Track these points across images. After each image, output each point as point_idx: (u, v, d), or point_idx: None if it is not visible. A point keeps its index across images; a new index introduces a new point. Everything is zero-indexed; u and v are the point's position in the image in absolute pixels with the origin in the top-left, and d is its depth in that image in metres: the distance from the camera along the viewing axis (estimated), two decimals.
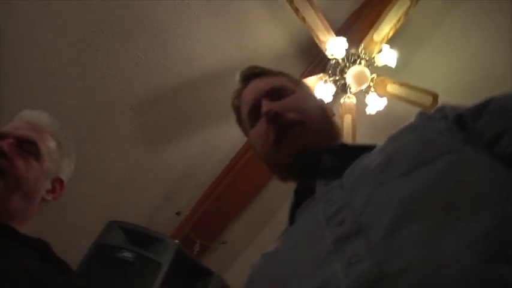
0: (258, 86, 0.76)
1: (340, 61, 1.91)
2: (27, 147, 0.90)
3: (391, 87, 1.98)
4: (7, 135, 0.89)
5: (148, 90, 2.01)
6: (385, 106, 1.98)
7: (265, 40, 2.02)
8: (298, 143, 0.66)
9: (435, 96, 1.90)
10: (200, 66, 2.03)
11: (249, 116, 0.75)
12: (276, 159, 0.70)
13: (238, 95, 0.81)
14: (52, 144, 0.96)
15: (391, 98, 1.95)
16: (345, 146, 0.65)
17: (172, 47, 1.96)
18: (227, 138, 2.17)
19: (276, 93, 0.72)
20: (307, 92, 0.82)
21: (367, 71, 1.89)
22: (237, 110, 0.83)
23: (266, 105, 0.69)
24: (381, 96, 1.96)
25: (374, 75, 1.93)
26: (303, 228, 0.56)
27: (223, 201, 2.17)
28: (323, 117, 0.73)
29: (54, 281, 0.74)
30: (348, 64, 1.92)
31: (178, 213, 2.32)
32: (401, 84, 1.92)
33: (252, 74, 0.80)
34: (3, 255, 0.70)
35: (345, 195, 0.51)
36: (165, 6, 1.88)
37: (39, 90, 1.90)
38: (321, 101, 0.84)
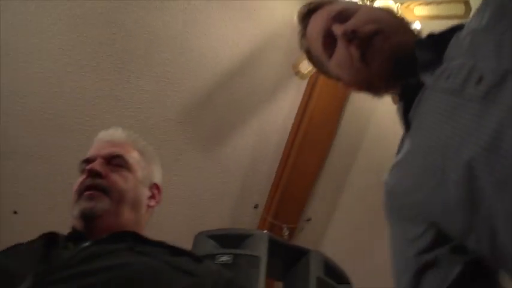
0: (321, 17, 0.75)
1: None
2: (116, 161, 0.94)
3: (419, 10, 1.88)
4: (94, 158, 0.95)
5: (185, 99, 2.06)
6: (420, 30, 1.88)
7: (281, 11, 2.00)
8: (386, 50, 0.65)
9: (466, 3, 1.78)
10: (227, 61, 2.04)
11: (323, 48, 0.73)
12: (369, 75, 0.68)
13: (303, 34, 0.79)
14: (135, 154, 1.01)
15: (423, 20, 1.86)
16: (432, 36, 0.64)
17: (194, 52, 1.99)
18: (275, 119, 2.17)
19: (342, 16, 0.70)
20: (370, 4, 0.81)
21: (390, 2, 1.82)
22: (307, 51, 0.80)
23: (339, 28, 0.68)
24: (412, 22, 1.87)
25: (398, 4, 1.85)
26: (432, 113, 0.55)
27: (295, 180, 2.17)
28: (396, 20, 0.72)
29: (196, 268, 0.80)
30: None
31: (256, 207, 2.35)
32: (427, 3, 1.82)
33: (309, 10, 0.78)
34: (146, 255, 0.76)
35: (467, 58, 0.51)
36: (176, 16, 1.91)
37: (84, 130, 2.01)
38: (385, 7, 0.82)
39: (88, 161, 0.95)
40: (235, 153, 2.19)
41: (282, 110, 2.17)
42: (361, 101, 2.13)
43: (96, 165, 0.90)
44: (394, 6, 1.83)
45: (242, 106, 2.13)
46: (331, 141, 2.16)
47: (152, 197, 1.00)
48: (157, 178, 1.05)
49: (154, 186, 1.01)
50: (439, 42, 0.61)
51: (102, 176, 0.89)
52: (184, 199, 2.24)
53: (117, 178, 0.90)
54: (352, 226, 2.40)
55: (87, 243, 0.77)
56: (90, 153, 0.98)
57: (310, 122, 2.09)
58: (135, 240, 0.81)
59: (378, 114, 2.14)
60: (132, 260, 0.74)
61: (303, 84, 2.12)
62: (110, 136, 1.02)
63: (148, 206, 0.98)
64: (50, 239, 0.80)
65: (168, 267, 0.76)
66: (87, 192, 0.87)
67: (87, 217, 0.85)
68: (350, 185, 2.32)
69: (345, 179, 2.31)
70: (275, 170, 2.25)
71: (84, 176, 0.92)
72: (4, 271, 0.71)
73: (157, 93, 2.04)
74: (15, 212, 2.09)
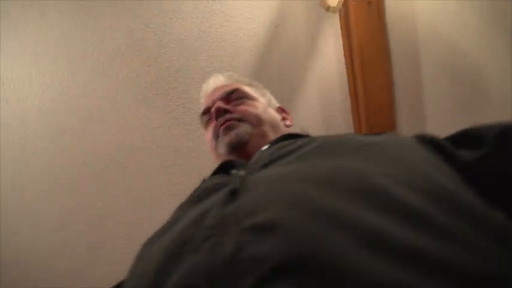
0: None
1: None
2: (235, 96, 0.92)
3: None
4: (212, 104, 0.92)
5: None
6: None
7: None
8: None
9: None
10: (256, 35, 2.03)
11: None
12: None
13: None
14: (246, 87, 0.98)
15: None
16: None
17: (226, 41, 2.00)
18: (327, 62, 2.13)
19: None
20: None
21: None
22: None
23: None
24: None
25: None
26: None
27: (374, 112, 2.09)
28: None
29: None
30: None
31: None
32: None
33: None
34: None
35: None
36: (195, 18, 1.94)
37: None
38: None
39: (207, 109, 0.93)
40: (306, 114, 2.14)
41: (329, 50, 2.12)
42: (397, 8, 2.05)
43: (219, 104, 0.88)
44: None
45: (292, 69, 2.10)
46: (389, 55, 2.08)
47: (284, 118, 0.97)
48: (277, 103, 1.02)
49: (280, 109, 0.98)
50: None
51: (230, 110, 0.87)
52: None
53: (244, 107, 0.88)
54: None
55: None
56: (205, 103, 0.96)
57: (360, 47, 2.02)
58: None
59: (420, 11, 2.05)
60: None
61: (336, 18, 2.08)
62: (215, 83, 1.01)
63: (287, 126, 0.95)
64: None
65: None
66: (224, 126, 0.84)
67: (236, 146, 0.82)
68: (428, 94, 2.21)
69: (421, 90, 2.20)
70: (350, 111, 2.18)
71: (212, 122, 0.89)
72: None
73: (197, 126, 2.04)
74: None
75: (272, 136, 0.85)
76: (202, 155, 1.99)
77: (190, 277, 0.39)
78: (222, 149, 0.83)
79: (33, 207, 1.91)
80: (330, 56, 2.15)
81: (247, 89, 0.95)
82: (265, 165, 0.60)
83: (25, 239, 1.91)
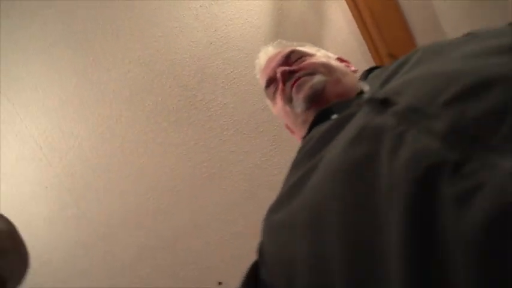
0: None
1: None
2: (293, 57, 0.90)
3: None
4: (273, 72, 0.90)
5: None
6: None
7: None
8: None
9: None
10: (262, 26, 2.02)
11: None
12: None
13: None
14: (299, 47, 0.97)
15: None
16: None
17: (235, 39, 1.99)
18: (340, 33, 2.10)
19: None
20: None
21: None
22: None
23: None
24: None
25: None
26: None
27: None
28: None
29: None
30: None
31: None
32: None
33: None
34: None
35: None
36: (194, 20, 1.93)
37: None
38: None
39: (269, 81, 0.90)
40: None
41: (337, 17, 2.09)
42: None
43: (283, 68, 0.85)
44: None
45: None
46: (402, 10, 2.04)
47: (347, 66, 0.95)
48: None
49: (340, 59, 0.96)
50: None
51: (295, 70, 0.84)
52: None
53: (310, 63, 0.85)
54: None
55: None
56: (265, 76, 0.94)
57: (366, 2, 1.99)
58: None
59: None
60: None
61: None
62: (267, 55, 0.99)
63: (354, 71, 0.93)
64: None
65: None
66: (295, 84, 0.82)
67: (313, 98, 0.79)
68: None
69: (439, 30, 2.16)
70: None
71: (279, 90, 0.86)
72: None
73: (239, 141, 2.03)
74: (220, 283, 2.09)
75: (345, 81, 0.83)
76: (250, 151, 1.98)
77: (420, 157, 0.38)
78: (299, 107, 0.81)
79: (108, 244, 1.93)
80: (339, 23, 2.12)
81: (302, 48, 0.93)
82: (384, 84, 0.59)
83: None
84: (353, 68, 0.93)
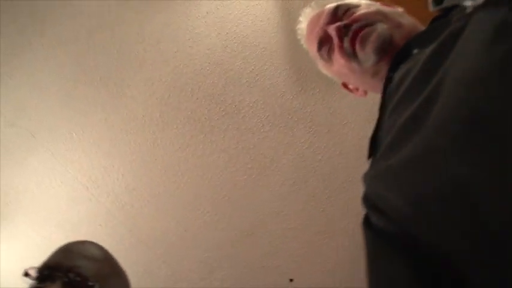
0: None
1: None
2: (340, 12, 0.85)
3: None
4: (323, 32, 0.86)
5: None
6: None
7: None
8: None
9: None
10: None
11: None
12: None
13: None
14: (340, 1, 0.93)
15: None
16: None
17: (249, 37, 1.98)
18: None
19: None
20: None
21: None
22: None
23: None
24: None
25: None
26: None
27: None
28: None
29: None
30: None
31: None
32: None
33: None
34: None
35: None
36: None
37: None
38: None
39: (321, 42, 0.86)
40: None
41: None
42: None
43: (337, 24, 0.81)
44: None
45: None
46: None
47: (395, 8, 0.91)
48: None
49: (384, 4, 0.93)
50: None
51: (349, 23, 0.80)
52: None
53: (360, 15, 0.81)
54: None
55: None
56: (314, 39, 0.89)
57: None
58: None
59: None
60: None
61: None
62: (307, 19, 0.94)
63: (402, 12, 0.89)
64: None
65: None
66: (358, 36, 0.78)
67: (384, 47, 0.75)
68: None
69: None
70: None
71: (335, 48, 0.82)
72: None
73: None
74: (291, 280, 2.07)
75: (405, 23, 0.79)
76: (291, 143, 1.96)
77: None
78: (370, 60, 0.76)
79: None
80: None
81: (345, 1, 0.89)
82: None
83: None
84: (400, 9, 0.89)
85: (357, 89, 0.92)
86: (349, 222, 2.02)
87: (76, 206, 1.94)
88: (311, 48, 0.92)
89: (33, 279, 0.72)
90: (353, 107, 2.02)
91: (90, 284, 0.70)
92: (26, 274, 0.72)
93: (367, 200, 0.60)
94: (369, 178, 0.61)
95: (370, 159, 0.67)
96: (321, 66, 0.94)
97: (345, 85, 0.94)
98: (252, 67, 1.98)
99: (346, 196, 1.99)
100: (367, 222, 0.60)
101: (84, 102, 1.95)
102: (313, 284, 2.05)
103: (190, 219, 1.91)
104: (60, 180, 1.93)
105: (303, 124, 2.01)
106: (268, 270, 1.94)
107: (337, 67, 0.84)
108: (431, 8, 0.72)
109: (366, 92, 0.90)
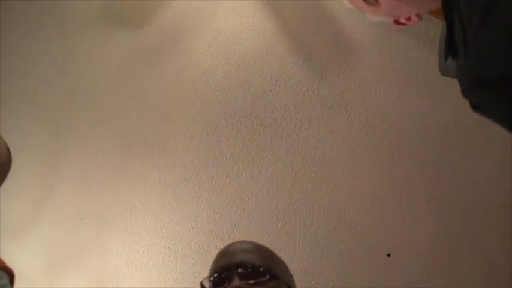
0: None
1: None
2: None
3: None
4: None
5: None
6: None
7: None
8: None
9: None
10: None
11: None
12: None
13: None
14: None
15: None
16: None
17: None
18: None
19: None
20: None
21: None
22: None
23: None
24: None
25: None
26: None
27: None
28: None
29: None
30: None
31: None
32: None
33: None
34: None
35: None
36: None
37: None
38: None
39: None
40: None
41: None
42: None
43: None
44: None
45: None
46: None
47: None
48: None
49: None
50: None
51: None
52: None
53: None
54: None
55: None
56: None
57: None
58: None
59: None
60: None
61: None
62: None
63: None
64: None
65: None
66: None
67: None
68: None
69: None
70: None
71: None
72: None
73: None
74: (388, 255, 2.08)
75: None
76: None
77: None
78: None
79: None
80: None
81: None
82: None
83: None
84: None
85: (409, 19, 0.93)
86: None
87: (166, 268, 2.00)
88: (356, 3, 0.94)
89: (210, 286, 0.75)
90: (376, 73, 2.05)
91: (261, 270, 0.73)
92: (202, 286, 0.76)
93: (479, 81, 0.61)
94: (471, 64, 0.63)
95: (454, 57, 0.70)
96: (370, 15, 0.96)
97: (397, 21, 0.96)
98: (269, 76, 2.03)
99: (407, 152, 2.00)
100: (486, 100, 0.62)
101: (133, 171, 2.02)
102: None
103: (274, 235, 1.94)
104: (142, 250, 1.99)
105: (337, 107, 2.04)
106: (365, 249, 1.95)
107: (385, 3, 0.86)
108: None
109: (419, 16, 0.91)
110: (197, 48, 2.07)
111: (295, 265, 1.96)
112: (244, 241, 0.84)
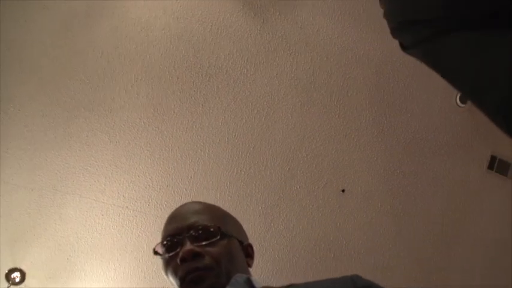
0: None
1: None
2: None
3: None
4: None
5: None
6: None
7: None
8: None
9: None
10: None
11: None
12: None
13: None
14: None
15: None
16: None
17: None
18: None
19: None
20: None
21: None
22: None
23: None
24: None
25: None
26: None
27: None
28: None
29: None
30: None
31: None
32: None
33: None
34: None
35: None
36: None
37: None
38: None
39: None
40: None
41: None
42: None
43: None
44: None
45: None
46: None
47: None
48: None
49: None
50: None
51: None
52: None
53: None
54: None
55: None
56: None
57: None
58: None
59: None
60: None
61: None
62: None
63: None
64: None
65: None
66: None
67: None
68: None
69: None
70: None
71: None
72: None
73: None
74: (343, 190, 2.14)
75: None
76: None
77: None
78: None
79: None
80: None
81: None
82: None
83: None
84: None
85: None
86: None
87: (127, 228, 2.00)
88: None
89: (163, 252, 0.76)
90: (318, 12, 2.04)
91: (212, 230, 0.74)
92: (155, 252, 0.77)
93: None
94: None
95: None
96: None
97: None
98: (210, 24, 1.99)
99: (354, 88, 2.03)
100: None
101: (82, 135, 1.97)
102: None
103: (230, 183, 1.96)
104: (100, 213, 1.98)
105: (281, 50, 2.03)
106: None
107: None
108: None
109: None
110: (132, 2, 1.99)
111: (253, 209, 2.00)
112: (194, 202, 0.84)
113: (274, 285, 0.72)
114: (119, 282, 2.04)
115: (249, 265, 0.81)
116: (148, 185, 1.97)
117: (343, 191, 2.10)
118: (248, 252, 0.82)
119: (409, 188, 2.12)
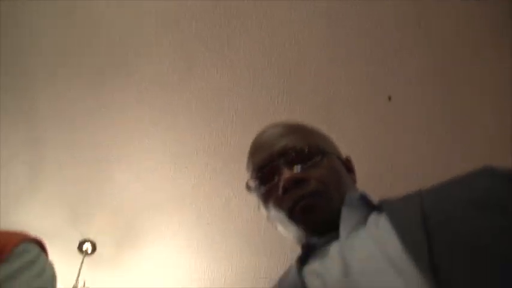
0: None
1: None
2: None
3: None
4: None
5: None
6: None
7: None
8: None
9: None
10: None
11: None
12: None
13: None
14: None
15: None
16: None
17: None
18: None
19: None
20: None
21: None
22: None
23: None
24: None
25: None
26: None
27: None
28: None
29: None
30: None
31: None
32: None
33: None
34: None
35: None
36: None
37: None
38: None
39: None
40: None
41: None
42: None
43: None
44: None
45: None
46: None
47: None
48: None
49: None
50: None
51: None
52: None
53: None
54: None
55: None
56: None
57: None
58: None
59: None
60: None
61: None
62: None
63: None
64: None
65: None
66: None
67: None
68: None
69: None
70: None
71: None
72: None
73: None
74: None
75: None
76: None
77: None
78: None
79: None
80: None
81: None
82: None
83: None
84: None
85: None
86: None
87: (180, 180, 2.00)
88: None
89: (257, 186, 0.68)
90: None
91: (307, 150, 0.66)
92: (248, 187, 0.69)
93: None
94: None
95: None
96: None
97: None
98: None
99: None
100: None
101: (114, 104, 1.93)
102: None
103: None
104: (151, 172, 1.98)
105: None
106: None
107: None
108: None
109: None
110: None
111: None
112: (273, 125, 0.72)
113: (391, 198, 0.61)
114: (185, 234, 2.07)
115: (354, 180, 0.71)
116: (193, 135, 1.95)
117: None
118: (349, 166, 0.72)
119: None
